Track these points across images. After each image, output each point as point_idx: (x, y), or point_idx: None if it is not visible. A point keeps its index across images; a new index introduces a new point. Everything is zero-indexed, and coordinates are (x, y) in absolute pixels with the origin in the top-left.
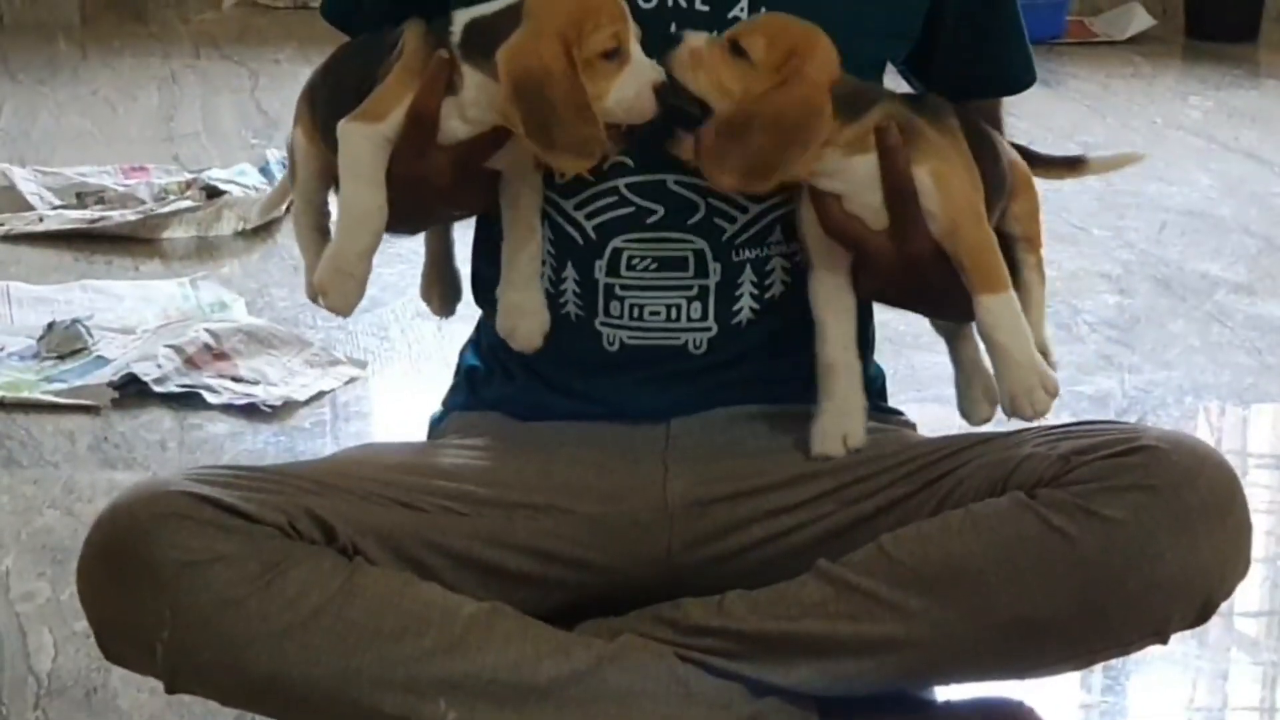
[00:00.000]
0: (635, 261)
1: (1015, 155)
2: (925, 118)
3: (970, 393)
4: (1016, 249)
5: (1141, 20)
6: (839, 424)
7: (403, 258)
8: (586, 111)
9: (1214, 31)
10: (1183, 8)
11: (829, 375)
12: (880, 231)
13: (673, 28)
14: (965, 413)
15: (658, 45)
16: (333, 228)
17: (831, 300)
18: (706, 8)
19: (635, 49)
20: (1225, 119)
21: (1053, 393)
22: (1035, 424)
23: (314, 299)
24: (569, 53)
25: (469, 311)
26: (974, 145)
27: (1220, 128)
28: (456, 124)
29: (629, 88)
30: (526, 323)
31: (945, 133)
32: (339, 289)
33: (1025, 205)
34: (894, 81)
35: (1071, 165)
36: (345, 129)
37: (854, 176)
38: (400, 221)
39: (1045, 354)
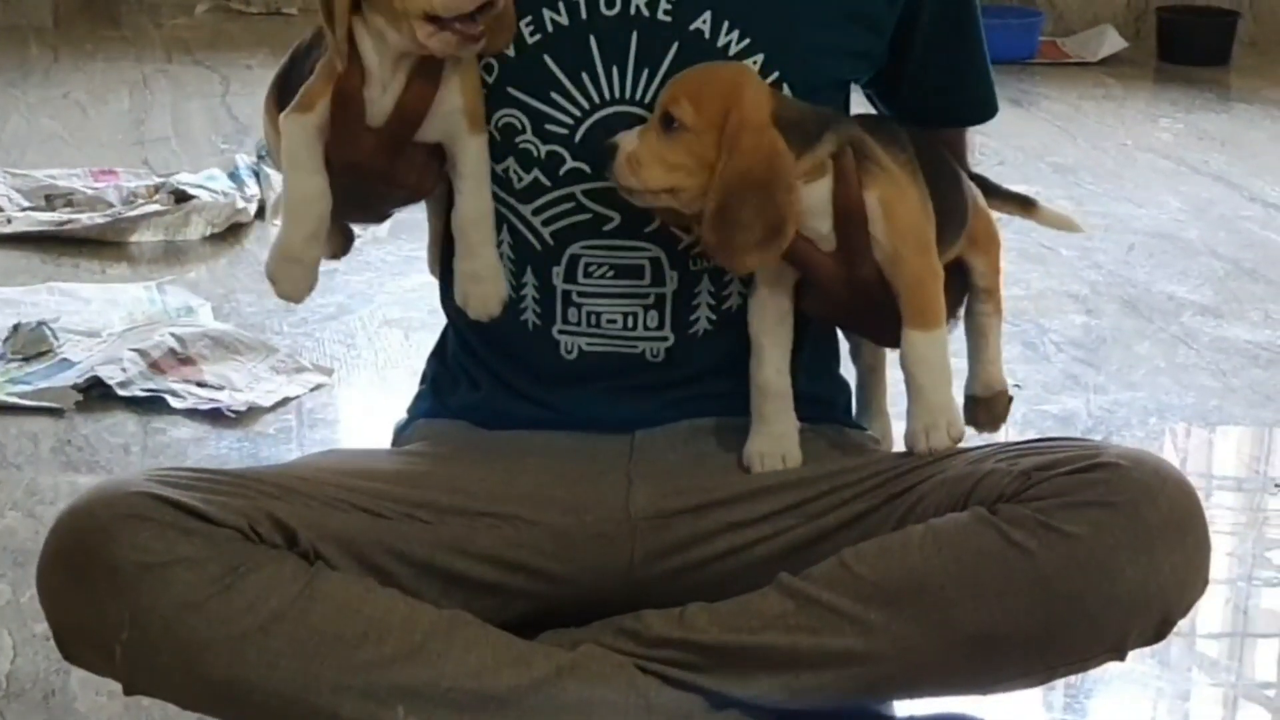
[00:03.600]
0: (592, 268)
1: (983, 205)
2: (880, 143)
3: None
4: (975, 298)
5: (1114, 42)
6: (776, 446)
7: (371, 266)
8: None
9: (1185, 55)
10: (1155, 31)
11: (763, 399)
12: (829, 254)
13: (634, 36)
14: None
15: (617, 59)
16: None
17: (771, 324)
18: (669, 18)
19: None
20: (1195, 142)
21: (956, 437)
22: (998, 439)
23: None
24: None
25: (435, 320)
26: (933, 176)
27: (1190, 150)
28: (381, 100)
29: None
30: (480, 289)
31: (899, 161)
32: (287, 276)
33: (989, 259)
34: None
35: (1023, 204)
36: (283, 121)
37: (808, 203)
38: (356, 208)
39: (1000, 392)
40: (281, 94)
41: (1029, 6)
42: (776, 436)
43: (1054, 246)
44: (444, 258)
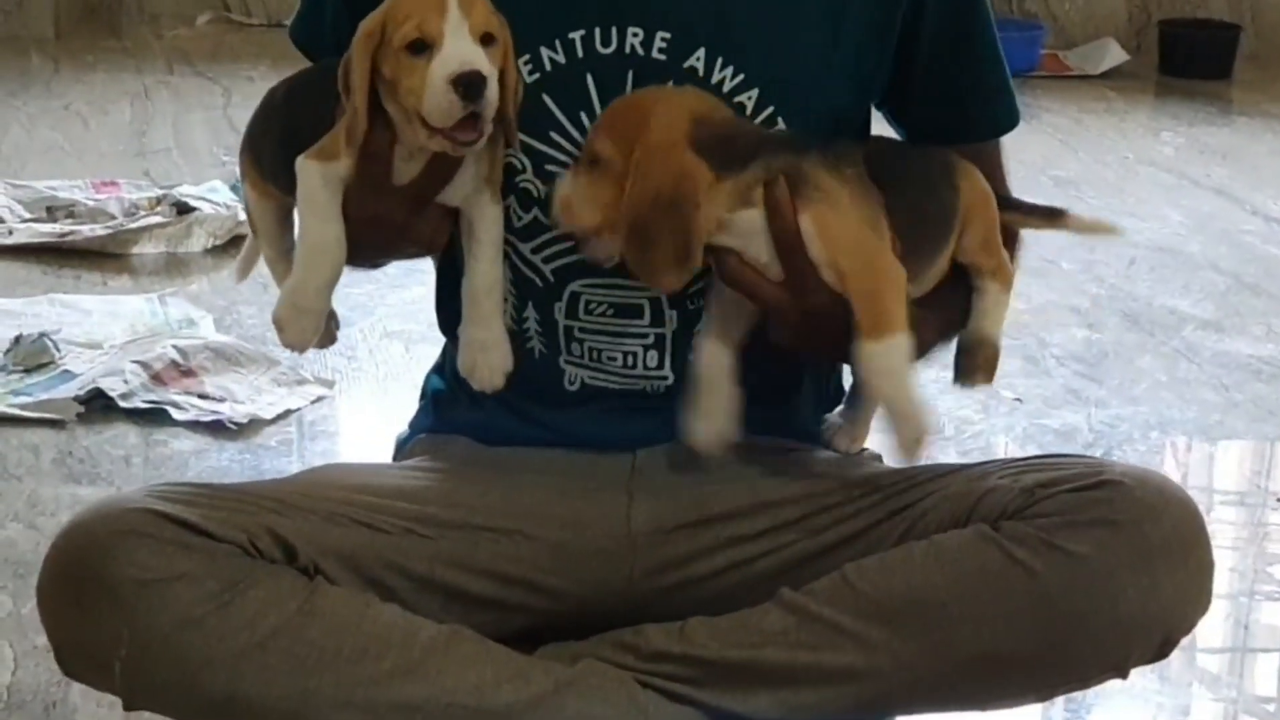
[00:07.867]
0: (593, 306)
1: (973, 185)
2: (822, 164)
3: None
4: (973, 276)
5: (1115, 55)
6: (711, 426)
7: (372, 278)
8: (354, 104)
9: (1187, 68)
10: (1156, 44)
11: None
12: (778, 284)
13: (630, 75)
14: (828, 442)
15: (614, 98)
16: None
17: (714, 364)
18: (663, 56)
19: (450, 40)
20: (1197, 155)
21: (929, 437)
22: (999, 455)
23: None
24: (369, 51)
25: (436, 333)
26: (901, 186)
27: (1192, 164)
28: (408, 163)
29: (431, 85)
30: (487, 359)
31: (842, 178)
32: (296, 325)
33: (975, 237)
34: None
35: (1050, 216)
36: (302, 165)
37: (741, 230)
38: (362, 259)
39: (982, 341)
40: (258, 147)
41: (1031, 19)
42: (714, 414)
43: (1055, 260)
44: (441, 293)
